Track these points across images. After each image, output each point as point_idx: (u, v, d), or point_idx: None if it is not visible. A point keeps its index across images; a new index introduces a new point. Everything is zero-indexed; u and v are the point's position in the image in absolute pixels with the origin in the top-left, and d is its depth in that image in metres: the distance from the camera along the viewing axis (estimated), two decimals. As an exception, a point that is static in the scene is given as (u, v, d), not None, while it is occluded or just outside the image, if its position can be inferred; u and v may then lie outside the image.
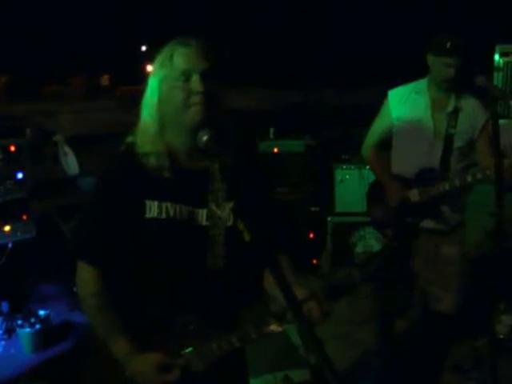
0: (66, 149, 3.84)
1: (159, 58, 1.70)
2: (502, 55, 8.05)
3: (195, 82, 1.63)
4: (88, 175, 3.87)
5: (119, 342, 1.69)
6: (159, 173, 1.68)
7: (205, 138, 1.58)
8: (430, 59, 3.01)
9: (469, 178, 2.88)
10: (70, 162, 3.82)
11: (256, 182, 1.79)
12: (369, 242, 5.11)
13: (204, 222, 1.71)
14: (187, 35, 1.71)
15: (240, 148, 1.78)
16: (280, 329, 1.63)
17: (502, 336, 3.16)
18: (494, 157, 2.38)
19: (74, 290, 1.82)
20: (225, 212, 1.65)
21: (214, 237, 1.70)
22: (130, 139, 1.74)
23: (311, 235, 5.24)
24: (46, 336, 3.88)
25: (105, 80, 26.53)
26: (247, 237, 1.42)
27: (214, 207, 1.69)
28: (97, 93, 20.66)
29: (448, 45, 2.88)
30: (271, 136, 5.45)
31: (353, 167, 5.14)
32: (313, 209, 5.27)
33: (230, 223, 1.71)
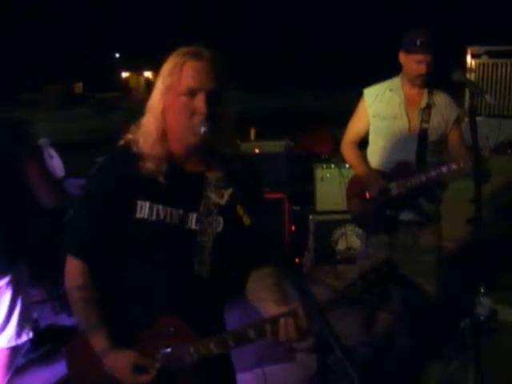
0: (52, 152, 3.84)
1: (168, 64, 1.69)
2: (473, 57, 8.25)
3: (200, 101, 1.63)
4: (74, 178, 3.86)
5: (98, 336, 1.72)
6: (154, 176, 1.69)
7: (203, 129, 1.61)
8: (402, 57, 3.15)
9: (444, 169, 3.03)
10: (56, 165, 3.82)
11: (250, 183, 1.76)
12: (350, 239, 5.22)
13: (194, 226, 1.72)
14: (198, 43, 1.70)
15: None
16: (256, 338, 1.63)
17: (482, 318, 3.29)
18: (473, 147, 2.50)
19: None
20: (224, 199, 1.69)
21: (202, 243, 1.72)
22: (129, 137, 1.75)
23: (293, 234, 5.32)
24: (33, 339, 3.87)
25: (78, 88, 26.22)
26: (247, 221, 1.48)
27: (212, 195, 1.71)
28: (70, 100, 20.43)
29: (418, 42, 3.02)
30: (252, 137, 5.53)
31: (333, 166, 5.25)
32: (294, 208, 5.36)
33: (219, 229, 1.73)
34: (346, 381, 1.26)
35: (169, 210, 1.70)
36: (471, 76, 8.10)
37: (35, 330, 3.95)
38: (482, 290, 3.34)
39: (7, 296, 2.78)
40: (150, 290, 1.73)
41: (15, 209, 2.74)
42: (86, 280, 1.75)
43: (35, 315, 4.14)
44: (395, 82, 3.25)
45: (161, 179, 1.69)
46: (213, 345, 1.65)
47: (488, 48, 8.13)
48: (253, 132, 5.51)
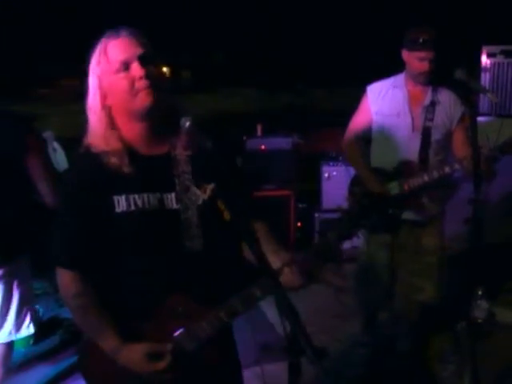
0: (55, 145, 3.87)
1: (94, 57, 1.72)
2: (488, 56, 8.14)
3: (136, 68, 1.66)
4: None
5: (106, 337, 1.72)
6: (119, 169, 1.70)
7: (188, 123, 1.63)
8: (405, 55, 3.10)
9: (446, 169, 2.98)
10: (59, 158, 3.85)
11: (229, 166, 1.85)
12: (355, 238, 5.16)
13: (174, 206, 1.74)
14: (116, 26, 1.73)
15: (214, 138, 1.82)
16: (264, 295, 1.67)
17: (479, 320, 3.24)
18: (472, 146, 2.45)
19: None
20: (207, 194, 1.69)
21: (187, 219, 1.73)
22: (85, 142, 1.76)
23: (298, 231, 5.30)
24: (36, 331, 3.88)
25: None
26: (227, 216, 1.47)
27: (195, 190, 1.72)
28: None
29: (420, 40, 2.98)
30: (258, 133, 5.50)
31: (339, 164, 5.23)
32: (300, 205, 5.33)
33: (199, 202, 1.74)
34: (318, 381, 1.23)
35: (145, 196, 1.71)
36: (486, 75, 8.00)
37: (38, 322, 3.98)
38: (480, 293, 3.29)
39: (0, 290, 2.78)
40: (149, 279, 1.74)
41: (13, 202, 2.75)
42: (80, 287, 1.74)
43: (37, 307, 4.17)
44: (399, 79, 3.21)
45: (126, 170, 1.70)
46: (223, 313, 1.69)
47: (503, 47, 8.00)
48: (259, 128, 5.48)
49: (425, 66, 3.02)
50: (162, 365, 1.68)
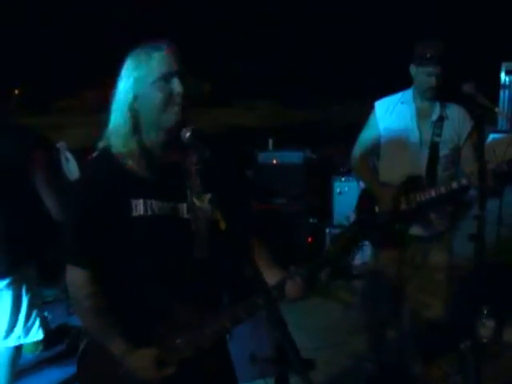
0: (68, 155, 3.89)
1: (132, 61, 1.75)
2: (507, 73, 8.07)
3: (175, 83, 1.71)
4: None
5: (116, 342, 1.73)
6: (137, 172, 1.73)
7: (188, 134, 1.67)
8: (413, 69, 3.10)
9: (454, 185, 2.96)
10: (71, 168, 3.87)
11: (232, 178, 1.89)
12: (366, 253, 5.13)
13: (186, 215, 1.77)
14: (158, 40, 1.77)
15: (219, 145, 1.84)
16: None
17: (485, 340, 3.18)
18: (478, 161, 2.43)
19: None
20: (204, 203, 1.71)
21: (197, 229, 1.77)
22: (101, 144, 1.80)
23: (309, 246, 5.26)
24: (44, 339, 3.91)
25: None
26: (223, 225, 1.49)
27: (194, 200, 1.76)
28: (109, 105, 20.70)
29: (428, 55, 2.97)
30: (270, 147, 5.51)
31: (351, 179, 5.20)
32: (311, 220, 5.31)
33: (209, 214, 1.76)
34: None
35: (161, 203, 1.75)
36: (505, 93, 7.94)
37: (46, 329, 4.01)
38: (485, 311, 3.24)
39: (8, 297, 2.82)
40: (156, 282, 1.76)
41: (21, 212, 2.78)
42: (92, 288, 1.75)
43: (46, 314, 4.20)
44: (407, 94, 3.20)
45: (143, 174, 1.74)
46: (226, 321, 1.73)
47: (523, 64, 7.90)
48: (271, 142, 5.48)
49: (432, 81, 3.01)
50: (168, 372, 1.70)
